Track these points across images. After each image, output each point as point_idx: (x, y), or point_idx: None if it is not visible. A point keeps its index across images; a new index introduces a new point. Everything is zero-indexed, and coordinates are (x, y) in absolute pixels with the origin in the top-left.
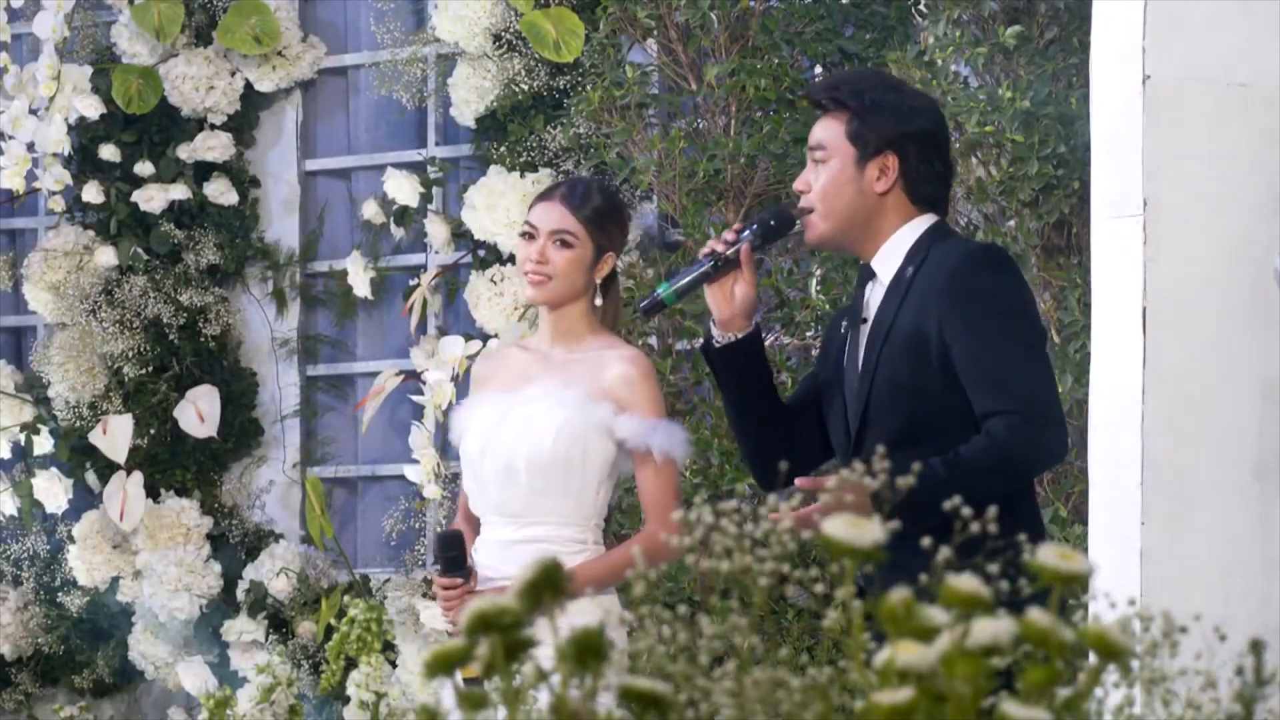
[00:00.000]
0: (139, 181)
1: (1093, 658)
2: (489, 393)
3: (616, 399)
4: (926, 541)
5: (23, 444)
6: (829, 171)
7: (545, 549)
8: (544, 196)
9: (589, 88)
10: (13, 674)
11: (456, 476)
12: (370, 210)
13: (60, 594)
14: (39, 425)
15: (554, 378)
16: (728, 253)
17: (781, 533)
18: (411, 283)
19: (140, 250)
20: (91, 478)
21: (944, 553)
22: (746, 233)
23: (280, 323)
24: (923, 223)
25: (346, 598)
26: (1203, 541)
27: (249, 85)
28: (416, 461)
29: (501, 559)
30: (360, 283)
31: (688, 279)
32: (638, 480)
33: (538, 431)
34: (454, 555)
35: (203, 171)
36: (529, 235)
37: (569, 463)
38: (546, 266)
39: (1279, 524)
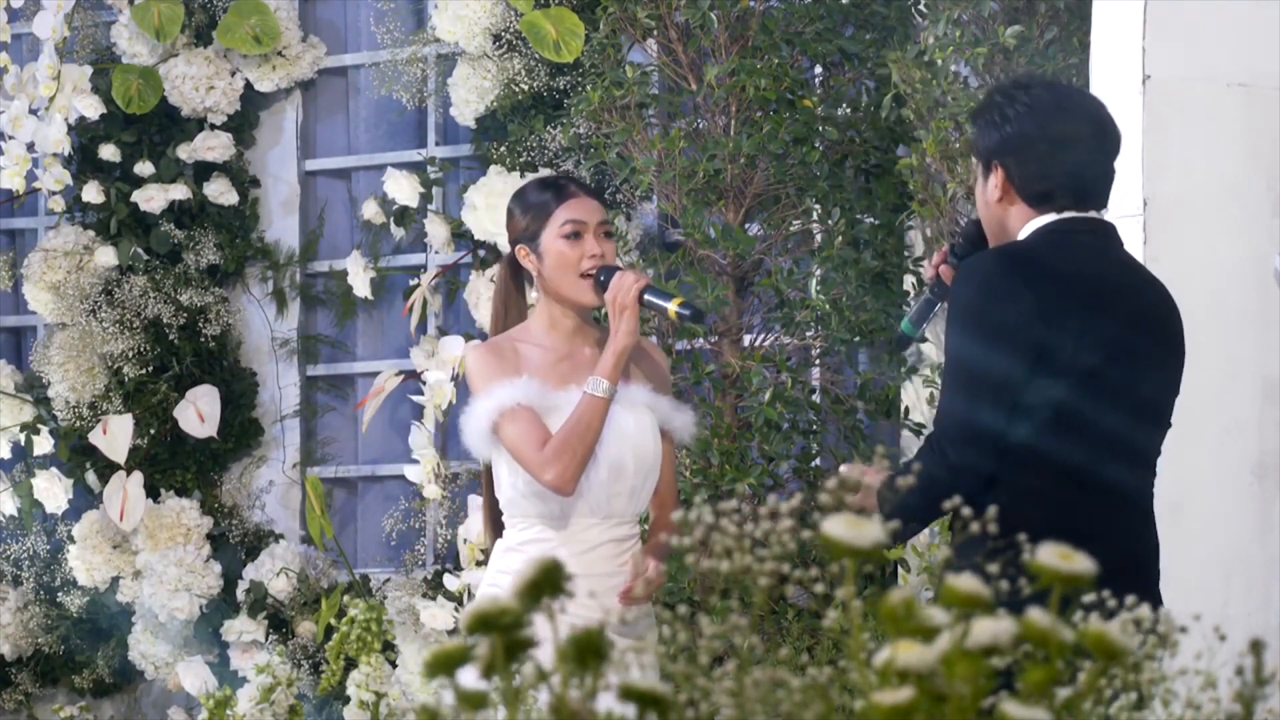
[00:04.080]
0: (139, 181)
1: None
2: (534, 383)
3: (665, 391)
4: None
5: (23, 444)
6: (976, 186)
7: (633, 547)
8: (563, 195)
9: (589, 88)
10: (13, 674)
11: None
12: (370, 210)
13: (60, 594)
14: (39, 425)
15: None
16: (937, 273)
17: (782, 532)
18: (411, 283)
19: (140, 250)
20: (91, 478)
21: (943, 552)
22: (951, 257)
23: (280, 323)
24: (1034, 224)
25: (346, 598)
26: (1203, 541)
27: (249, 85)
28: (416, 461)
29: (591, 559)
30: (360, 283)
31: (917, 308)
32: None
33: (633, 431)
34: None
35: (203, 171)
36: (577, 234)
37: (662, 459)
38: (605, 260)
39: (1279, 524)
